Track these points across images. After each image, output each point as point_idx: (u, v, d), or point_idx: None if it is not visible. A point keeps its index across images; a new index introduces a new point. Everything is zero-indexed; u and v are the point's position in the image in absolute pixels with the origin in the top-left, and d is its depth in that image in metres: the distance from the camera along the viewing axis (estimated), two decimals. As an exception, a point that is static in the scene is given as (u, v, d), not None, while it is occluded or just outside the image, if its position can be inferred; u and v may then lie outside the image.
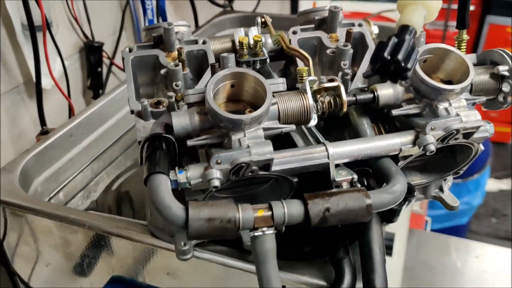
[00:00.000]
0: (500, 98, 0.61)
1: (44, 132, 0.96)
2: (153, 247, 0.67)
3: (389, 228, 1.62)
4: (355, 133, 0.63)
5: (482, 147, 0.61)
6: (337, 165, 0.57)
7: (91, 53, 1.16)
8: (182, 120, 0.54)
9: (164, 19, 1.38)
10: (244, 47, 0.72)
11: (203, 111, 0.54)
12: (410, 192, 0.58)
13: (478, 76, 0.61)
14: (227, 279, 0.67)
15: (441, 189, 0.70)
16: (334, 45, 0.72)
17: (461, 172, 0.67)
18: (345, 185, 0.56)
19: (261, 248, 0.49)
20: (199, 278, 0.69)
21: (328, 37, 0.73)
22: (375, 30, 0.79)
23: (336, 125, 0.69)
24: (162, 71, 0.67)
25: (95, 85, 1.19)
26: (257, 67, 0.75)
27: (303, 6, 2.76)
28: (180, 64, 0.65)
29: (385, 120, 0.65)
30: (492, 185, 3.29)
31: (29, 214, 0.75)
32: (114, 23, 1.29)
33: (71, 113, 1.08)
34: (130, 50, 0.70)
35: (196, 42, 0.71)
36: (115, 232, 0.69)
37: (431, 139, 0.55)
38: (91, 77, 1.19)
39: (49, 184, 0.91)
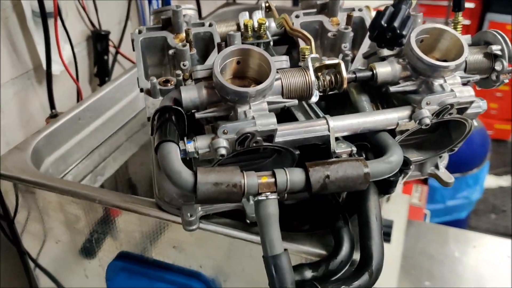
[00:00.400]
0: (493, 77, 0.64)
1: (53, 116, 0.99)
2: (160, 220, 0.70)
3: (388, 216, 1.65)
4: (355, 111, 0.65)
5: (475, 123, 0.64)
6: (337, 139, 0.60)
7: (98, 41, 1.19)
8: (191, 93, 0.57)
9: (169, 10, 1.41)
10: (249, 30, 0.75)
11: (211, 85, 0.57)
12: (406, 164, 0.61)
13: (472, 56, 0.63)
14: (230, 251, 0.70)
15: (436, 166, 0.73)
16: (335, 28, 0.75)
17: (456, 149, 0.70)
18: (344, 157, 0.59)
19: (265, 212, 0.52)
20: (204, 250, 0.72)
21: (330, 21, 0.76)
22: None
23: (337, 105, 0.72)
24: (170, 52, 0.70)
25: (101, 73, 1.22)
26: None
27: None
28: (188, 44, 0.68)
29: (384, 98, 0.67)
30: (492, 181, 3.32)
31: (41, 191, 0.78)
32: (120, 13, 1.32)
33: (79, 97, 1.11)
34: (140, 32, 0.73)
35: (203, 24, 0.74)
36: (123, 206, 0.72)
37: (426, 113, 0.58)
38: (97, 65, 1.22)
39: (58, 166, 0.94)
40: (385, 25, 0.46)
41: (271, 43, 0.77)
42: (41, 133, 0.88)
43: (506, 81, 0.64)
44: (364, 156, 0.61)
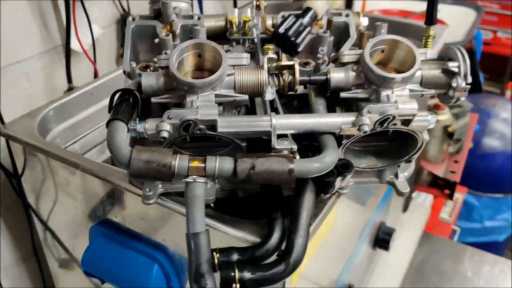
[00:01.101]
0: (451, 93, 0.64)
1: (70, 89, 1.09)
2: (129, 192, 0.77)
3: (402, 225, 1.64)
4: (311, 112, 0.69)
5: (426, 136, 0.65)
6: (283, 135, 0.63)
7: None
8: (150, 80, 0.63)
9: None
10: (234, 26, 0.80)
11: (168, 73, 0.63)
12: (347, 167, 0.64)
13: (430, 70, 0.64)
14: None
15: (396, 175, 0.74)
16: (316, 31, 0.77)
17: (412, 160, 0.71)
18: (286, 153, 0.62)
19: (191, 194, 0.57)
20: (165, 225, 0.78)
21: (314, 24, 0.79)
22: (364, 22, 0.83)
23: (307, 106, 0.75)
24: (156, 40, 0.77)
25: (127, 55, 1.32)
26: (246, 45, 0.82)
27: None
28: (171, 34, 0.74)
29: (347, 105, 0.70)
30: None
31: (39, 154, 0.88)
32: None
33: (95, 76, 1.20)
34: (133, 19, 0.79)
35: (192, 17, 0.80)
36: (101, 175, 0.79)
37: (366, 120, 0.60)
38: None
39: (66, 135, 1.04)
40: (282, 32, 0.49)
41: (255, 40, 0.81)
42: (52, 104, 0.98)
43: (463, 98, 0.65)
44: (311, 155, 0.64)
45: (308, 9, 0.50)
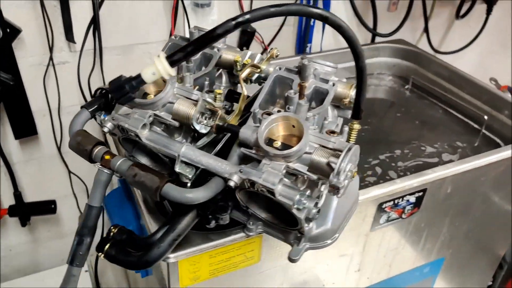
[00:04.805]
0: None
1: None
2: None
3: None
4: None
5: (300, 216, 0.69)
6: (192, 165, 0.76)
7: (244, 34, 1.49)
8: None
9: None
10: (238, 65, 0.93)
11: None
12: (222, 209, 0.74)
13: (320, 157, 0.67)
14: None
15: (299, 241, 0.79)
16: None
17: (303, 233, 0.74)
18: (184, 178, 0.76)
19: (97, 177, 0.76)
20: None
21: (299, 83, 0.86)
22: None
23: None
24: None
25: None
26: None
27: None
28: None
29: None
30: None
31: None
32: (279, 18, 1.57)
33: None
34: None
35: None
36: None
37: (235, 177, 0.69)
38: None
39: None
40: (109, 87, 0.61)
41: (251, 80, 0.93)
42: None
43: (335, 195, 0.66)
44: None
45: (137, 76, 0.61)
